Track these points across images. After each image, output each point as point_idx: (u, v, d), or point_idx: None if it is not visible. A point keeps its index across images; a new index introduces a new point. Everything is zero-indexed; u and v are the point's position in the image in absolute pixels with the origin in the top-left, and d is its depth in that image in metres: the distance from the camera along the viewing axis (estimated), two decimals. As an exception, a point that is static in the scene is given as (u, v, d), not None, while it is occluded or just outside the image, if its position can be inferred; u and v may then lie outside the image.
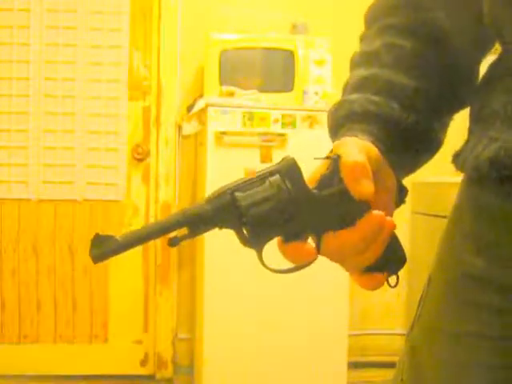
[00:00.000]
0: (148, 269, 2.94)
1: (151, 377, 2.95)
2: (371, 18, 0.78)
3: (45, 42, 2.86)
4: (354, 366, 2.74)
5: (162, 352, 2.93)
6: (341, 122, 0.68)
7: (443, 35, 0.69)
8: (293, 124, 2.51)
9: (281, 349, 2.50)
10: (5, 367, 2.78)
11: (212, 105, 2.49)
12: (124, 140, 2.91)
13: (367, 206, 0.60)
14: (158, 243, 2.91)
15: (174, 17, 2.92)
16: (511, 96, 0.60)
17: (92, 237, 0.59)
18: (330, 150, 0.63)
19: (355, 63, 0.76)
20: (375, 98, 0.67)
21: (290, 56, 2.70)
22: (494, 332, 0.61)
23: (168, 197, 2.91)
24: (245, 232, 0.62)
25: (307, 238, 0.63)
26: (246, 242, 0.62)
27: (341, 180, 0.61)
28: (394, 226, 0.61)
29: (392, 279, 0.65)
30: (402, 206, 0.67)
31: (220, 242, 2.44)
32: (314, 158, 0.64)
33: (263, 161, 2.46)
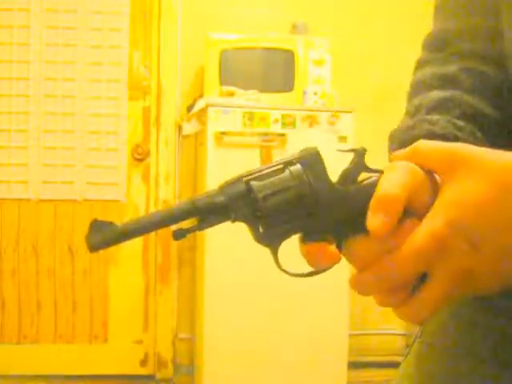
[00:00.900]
0: (148, 269, 2.94)
1: (151, 377, 2.95)
2: (438, 43, 0.72)
3: (45, 42, 2.86)
4: (353, 366, 2.74)
5: (162, 352, 2.93)
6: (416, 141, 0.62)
7: None
8: (293, 124, 2.51)
9: (281, 349, 2.50)
10: (5, 367, 2.78)
11: (212, 105, 2.49)
12: (124, 140, 2.91)
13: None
14: (159, 243, 2.91)
15: (173, 17, 2.92)
16: None
17: (90, 222, 0.53)
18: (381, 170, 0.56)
19: (426, 84, 0.68)
20: (460, 123, 0.62)
21: (289, 56, 2.70)
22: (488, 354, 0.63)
23: (168, 197, 2.91)
24: (259, 227, 0.54)
25: (329, 238, 0.55)
26: (260, 238, 0.55)
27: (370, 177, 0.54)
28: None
29: None
30: None
31: (220, 242, 2.44)
32: (337, 150, 0.59)
33: (263, 161, 2.46)
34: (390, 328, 3.06)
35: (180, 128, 2.88)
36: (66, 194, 2.87)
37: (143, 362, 2.95)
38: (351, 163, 0.55)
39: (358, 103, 2.73)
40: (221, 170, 2.46)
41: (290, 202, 0.54)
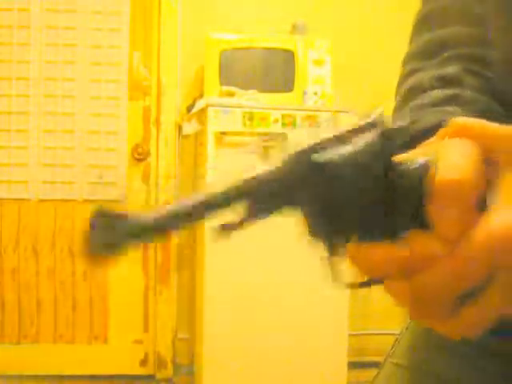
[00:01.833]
0: (148, 269, 2.94)
1: (151, 377, 2.95)
2: (429, 51, 0.66)
3: (45, 42, 2.86)
4: (353, 366, 2.74)
5: (162, 352, 2.93)
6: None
7: None
8: (293, 124, 2.51)
9: (281, 348, 2.50)
10: (5, 367, 2.78)
11: (212, 105, 2.49)
12: (124, 140, 2.91)
13: None
14: (159, 243, 2.91)
15: (174, 17, 2.92)
16: None
17: (92, 214, 0.38)
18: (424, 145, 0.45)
19: (425, 87, 0.61)
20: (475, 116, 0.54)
21: (289, 56, 2.70)
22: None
23: (168, 197, 2.91)
24: (320, 217, 0.40)
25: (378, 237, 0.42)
26: (323, 232, 0.41)
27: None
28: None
29: None
30: None
31: (220, 242, 2.44)
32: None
33: (263, 161, 2.46)
34: (390, 328, 3.06)
35: (180, 128, 2.89)
36: (66, 194, 2.87)
37: (143, 362, 2.96)
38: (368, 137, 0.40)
39: (358, 103, 2.73)
40: (221, 169, 2.46)
41: (368, 181, 0.40)
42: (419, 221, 0.40)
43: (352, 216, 0.40)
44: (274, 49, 2.75)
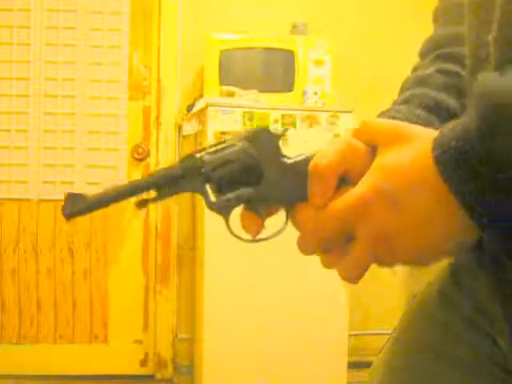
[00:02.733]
0: (148, 269, 2.94)
1: (151, 377, 2.95)
2: (424, 51, 0.79)
3: (45, 42, 2.86)
4: (353, 366, 2.74)
5: (162, 352, 2.93)
6: None
7: None
8: (293, 124, 2.51)
9: (281, 349, 2.50)
10: (5, 367, 2.78)
11: (212, 105, 2.49)
12: (124, 140, 2.91)
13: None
14: (159, 243, 2.92)
15: (174, 17, 2.92)
16: None
17: (66, 195, 0.62)
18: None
19: (406, 87, 0.76)
20: (419, 112, 0.68)
21: (290, 56, 2.70)
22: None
23: (168, 197, 2.91)
24: (212, 196, 0.61)
25: (276, 206, 0.62)
26: (212, 205, 0.61)
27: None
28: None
29: None
30: None
31: (220, 242, 2.44)
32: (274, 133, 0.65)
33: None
34: (390, 328, 3.06)
35: (180, 128, 2.89)
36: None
37: (143, 362, 2.96)
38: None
39: (358, 103, 2.73)
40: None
41: (236, 171, 0.60)
42: (302, 197, 0.59)
43: (228, 191, 0.60)
44: (274, 49, 2.75)
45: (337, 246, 0.58)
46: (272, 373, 2.50)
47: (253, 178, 0.61)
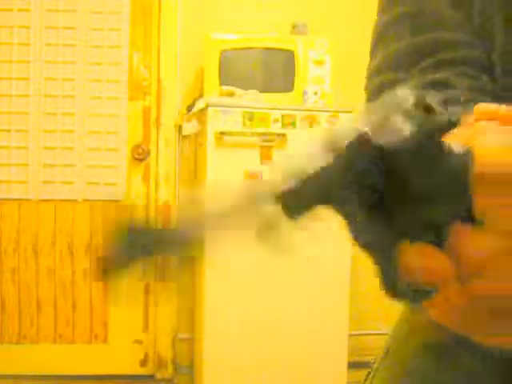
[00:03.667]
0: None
1: (151, 377, 2.95)
2: (409, 58, 0.61)
3: (45, 42, 2.86)
4: (353, 365, 2.74)
5: (162, 352, 2.93)
6: None
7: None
8: (293, 124, 2.51)
9: (281, 349, 2.50)
10: (5, 367, 2.78)
11: (212, 105, 2.49)
12: (124, 140, 2.91)
13: None
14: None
15: (173, 17, 2.92)
16: None
17: (116, 226, 0.32)
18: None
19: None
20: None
21: (290, 56, 2.70)
22: None
23: (168, 197, 2.91)
24: (380, 218, 0.33)
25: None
26: (375, 232, 0.33)
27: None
28: None
29: None
30: None
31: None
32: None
33: (263, 161, 2.46)
34: (390, 328, 3.06)
35: (180, 128, 2.88)
36: (66, 194, 2.87)
37: (143, 362, 2.96)
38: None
39: (358, 103, 2.73)
40: (221, 169, 2.46)
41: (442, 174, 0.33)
42: (463, 215, 0.34)
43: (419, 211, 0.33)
44: (274, 49, 2.75)
45: None
46: (272, 373, 2.50)
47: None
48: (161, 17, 2.91)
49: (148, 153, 2.94)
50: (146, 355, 2.95)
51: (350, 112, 2.55)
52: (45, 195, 2.86)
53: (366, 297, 2.98)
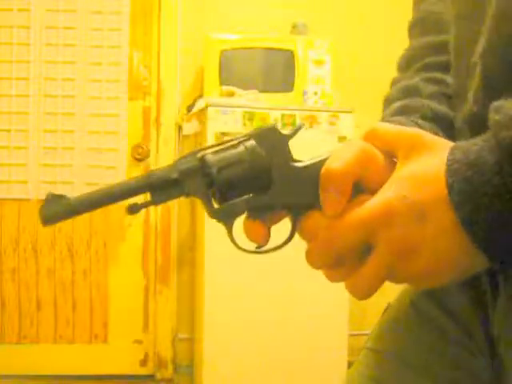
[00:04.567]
0: (148, 269, 2.94)
1: (151, 377, 2.95)
2: (405, 62, 0.76)
3: (45, 42, 2.86)
4: (353, 365, 2.74)
5: (162, 352, 2.93)
6: None
7: None
8: (293, 124, 2.51)
9: (281, 349, 2.50)
10: (5, 367, 2.78)
11: (212, 105, 2.49)
12: (124, 140, 2.91)
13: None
14: (159, 243, 2.91)
15: (173, 17, 2.92)
16: None
17: (46, 196, 0.54)
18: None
19: (392, 98, 0.72)
20: (422, 122, 0.65)
21: (290, 56, 2.70)
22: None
23: (168, 197, 2.91)
24: (214, 202, 0.54)
25: (283, 214, 0.56)
26: (214, 213, 0.54)
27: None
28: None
29: None
30: None
31: (220, 242, 2.44)
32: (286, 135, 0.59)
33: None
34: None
35: (180, 128, 2.88)
36: (66, 194, 2.86)
37: (143, 362, 2.95)
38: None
39: (358, 103, 2.73)
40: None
41: (244, 175, 0.53)
42: (313, 204, 0.53)
43: (233, 198, 0.54)
44: (274, 49, 2.75)
45: (349, 259, 0.53)
46: (272, 373, 2.50)
47: (261, 182, 0.54)
48: (161, 17, 2.91)
49: (148, 153, 2.94)
50: (146, 355, 2.95)
51: (350, 112, 2.55)
52: (45, 195, 2.85)
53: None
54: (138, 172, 2.94)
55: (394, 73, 0.79)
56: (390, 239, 0.50)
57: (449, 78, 0.68)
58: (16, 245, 2.86)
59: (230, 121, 2.47)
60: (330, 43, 2.73)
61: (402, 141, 0.52)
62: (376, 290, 0.53)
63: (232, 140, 0.56)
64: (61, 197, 0.55)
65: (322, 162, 0.53)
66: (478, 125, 0.52)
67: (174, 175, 0.54)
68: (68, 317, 2.88)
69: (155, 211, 2.93)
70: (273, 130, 0.56)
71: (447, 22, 0.67)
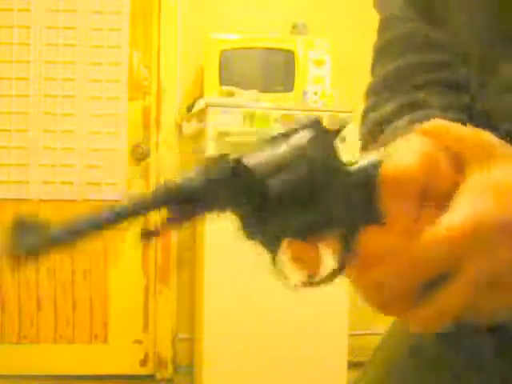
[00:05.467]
0: (148, 269, 2.94)
1: (151, 377, 2.95)
2: (390, 83, 0.65)
3: (45, 42, 2.86)
4: (353, 365, 2.74)
5: (162, 352, 2.93)
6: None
7: None
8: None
9: (281, 348, 2.50)
10: (5, 367, 2.78)
11: (212, 105, 2.49)
12: (124, 140, 2.91)
13: None
14: (159, 243, 2.91)
15: (173, 17, 2.92)
16: None
17: (12, 223, 0.39)
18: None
19: (388, 117, 0.61)
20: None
21: (290, 56, 2.70)
22: None
23: (168, 197, 2.91)
24: (256, 220, 0.42)
25: (331, 234, 0.45)
26: (257, 234, 0.42)
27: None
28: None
29: None
30: None
31: (220, 242, 2.44)
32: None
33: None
34: (390, 328, 3.06)
35: (180, 128, 2.88)
36: (66, 194, 2.87)
37: (143, 362, 2.95)
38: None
39: (358, 103, 2.73)
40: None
41: (297, 184, 0.41)
42: (373, 217, 0.42)
43: (284, 214, 0.41)
44: (274, 49, 2.75)
45: (417, 288, 0.42)
46: (272, 373, 2.50)
47: (315, 193, 0.42)
48: (161, 17, 2.91)
49: (148, 153, 2.94)
50: (146, 355, 2.95)
51: (350, 112, 2.55)
52: (45, 195, 2.86)
53: (365, 297, 2.98)
54: (138, 172, 2.93)
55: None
56: (478, 265, 0.41)
57: (459, 94, 0.60)
58: (16, 245, 2.85)
59: (230, 121, 2.47)
60: (330, 43, 2.73)
61: (476, 141, 0.44)
62: (446, 323, 0.44)
63: (268, 135, 0.44)
64: (34, 225, 0.39)
65: (379, 164, 0.43)
66: None
67: (202, 185, 0.41)
68: (68, 317, 2.88)
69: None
70: (317, 124, 0.45)
71: (436, 40, 0.62)
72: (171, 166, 2.92)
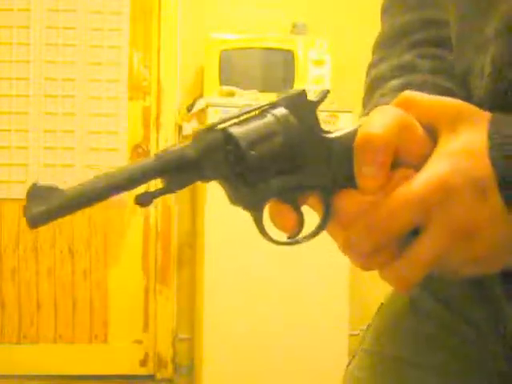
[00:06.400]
0: (148, 269, 2.94)
1: (151, 377, 2.95)
2: (388, 40, 0.68)
3: (45, 42, 2.86)
4: (353, 365, 2.73)
5: (162, 352, 2.93)
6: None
7: None
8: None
9: (281, 348, 2.50)
10: (5, 367, 2.78)
11: (212, 105, 2.49)
12: (124, 140, 2.91)
13: None
14: (159, 243, 2.91)
15: (173, 17, 2.92)
16: None
17: (28, 189, 0.42)
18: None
19: (384, 77, 0.63)
20: None
21: (289, 56, 2.70)
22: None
23: (167, 197, 2.91)
24: (240, 185, 0.45)
25: (313, 196, 0.48)
26: (241, 199, 0.45)
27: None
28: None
29: None
30: None
31: (220, 241, 2.44)
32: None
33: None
34: (390, 328, 3.06)
35: (180, 128, 2.89)
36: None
37: (143, 362, 2.95)
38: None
39: (358, 103, 2.73)
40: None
41: (277, 150, 0.44)
42: (348, 180, 0.46)
43: (265, 179, 0.45)
44: (274, 49, 2.75)
45: (395, 243, 0.45)
46: (272, 372, 2.50)
47: (294, 159, 0.45)
48: (161, 17, 2.92)
49: (148, 153, 2.94)
50: (146, 355, 2.95)
51: (350, 112, 2.55)
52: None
53: (366, 297, 2.98)
54: (137, 172, 2.93)
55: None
56: (447, 219, 0.43)
57: (446, 54, 0.62)
58: (16, 245, 2.86)
59: (230, 121, 2.47)
60: (329, 43, 2.73)
61: (446, 110, 0.46)
62: (422, 277, 0.46)
63: (253, 108, 0.47)
64: (51, 189, 0.42)
65: (356, 132, 0.46)
66: (500, 100, 0.49)
67: (191, 154, 0.44)
68: (68, 317, 2.88)
69: (155, 210, 2.93)
70: (301, 95, 0.47)
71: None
72: (171, 166, 2.92)
